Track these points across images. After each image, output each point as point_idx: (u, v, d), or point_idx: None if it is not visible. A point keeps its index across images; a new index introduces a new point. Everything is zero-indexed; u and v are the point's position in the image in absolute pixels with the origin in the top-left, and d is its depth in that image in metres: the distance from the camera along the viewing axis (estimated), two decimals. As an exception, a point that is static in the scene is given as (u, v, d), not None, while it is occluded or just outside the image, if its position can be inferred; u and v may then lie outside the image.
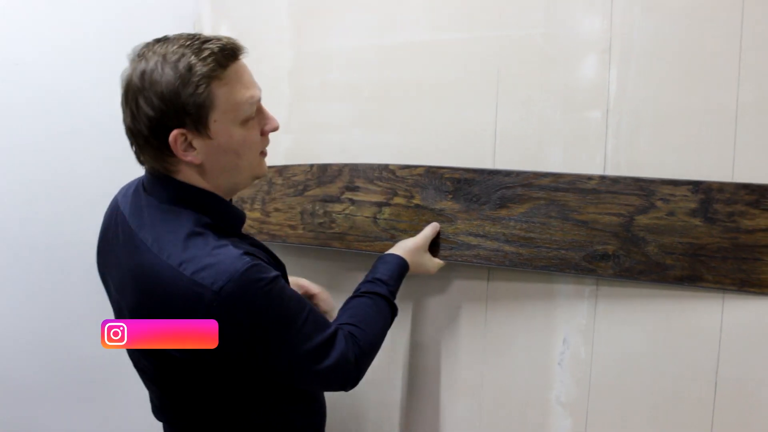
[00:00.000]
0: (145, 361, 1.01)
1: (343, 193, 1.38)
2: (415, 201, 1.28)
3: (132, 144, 0.94)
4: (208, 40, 0.90)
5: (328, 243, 1.40)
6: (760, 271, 1.01)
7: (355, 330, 1.04)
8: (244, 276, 0.86)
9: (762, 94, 1.00)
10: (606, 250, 1.11)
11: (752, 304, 1.02)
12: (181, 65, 0.87)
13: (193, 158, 0.92)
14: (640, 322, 1.12)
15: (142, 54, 0.90)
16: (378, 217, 1.33)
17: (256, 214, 1.53)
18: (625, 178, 1.09)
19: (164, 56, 0.88)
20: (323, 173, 1.41)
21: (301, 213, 1.44)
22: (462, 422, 1.34)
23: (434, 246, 1.26)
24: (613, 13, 1.12)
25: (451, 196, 1.25)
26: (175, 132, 0.89)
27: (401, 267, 1.18)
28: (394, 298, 1.14)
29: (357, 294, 1.12)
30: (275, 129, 1.00)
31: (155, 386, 1.05)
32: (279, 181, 1.49)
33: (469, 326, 1.31)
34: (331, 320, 1.05)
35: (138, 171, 1.01)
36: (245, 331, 0.89)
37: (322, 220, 1.40)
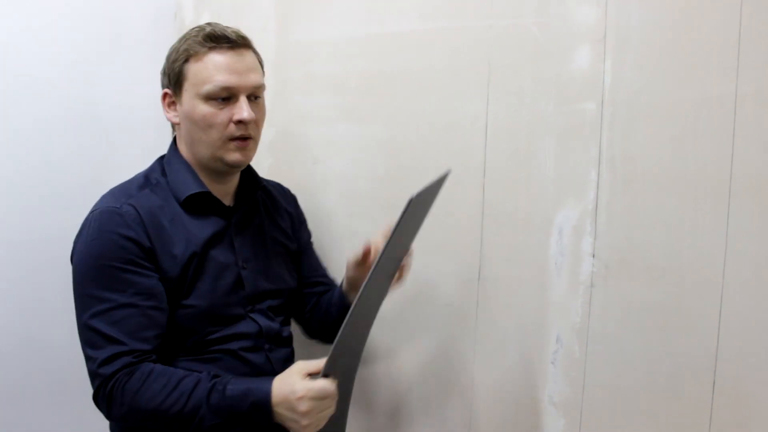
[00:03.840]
0: None
1: None
2: None
3: None
4: (214, 27, 1.07)
5: None
6: None
7: (141, 368, 0.95)
8: (96, 211, 1.03)
9: (761, 85, 0.98)
10: None
11: (751, 300, 1.00)
12: (180, 41, 1.09)
13: (172, 117, 1.11)
14: (636, 319, 1.09)
15: None
16: None
17: None
18: None
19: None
20: None
21: None
22: (453, 423, 1.31)
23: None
24: (608, 1, 1.09)
25: None
26: (164, 90, 1.11)
27: (253, 398, 0.93)
28: (211, 413, 0.93)
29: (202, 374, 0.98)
30: (240, 120, 1.05)
31: None
32: None
33: (460, 325, 1.28)
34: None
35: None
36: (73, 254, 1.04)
37: None
